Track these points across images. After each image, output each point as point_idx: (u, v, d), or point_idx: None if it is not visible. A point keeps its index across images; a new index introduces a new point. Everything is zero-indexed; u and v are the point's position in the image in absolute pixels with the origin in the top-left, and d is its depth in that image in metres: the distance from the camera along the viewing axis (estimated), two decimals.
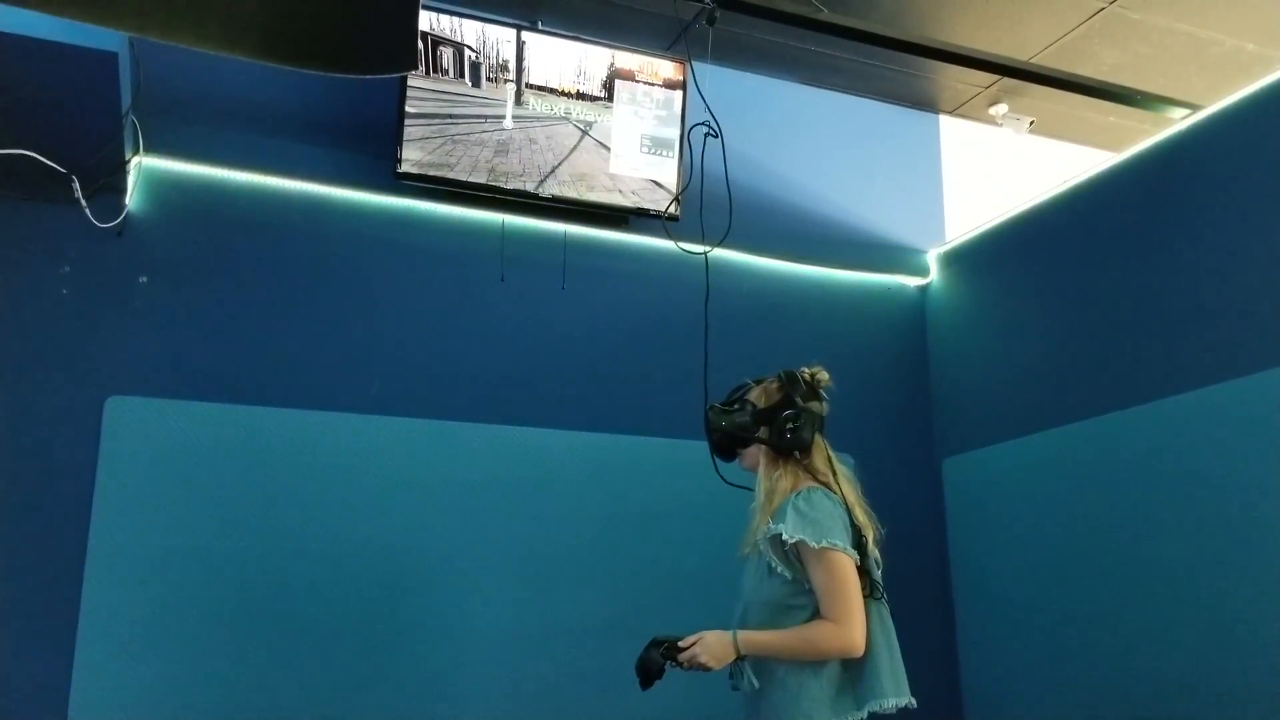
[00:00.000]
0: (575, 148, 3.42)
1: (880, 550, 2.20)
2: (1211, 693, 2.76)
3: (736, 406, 2.30)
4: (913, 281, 4.10)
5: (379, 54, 1.12)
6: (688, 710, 3.14)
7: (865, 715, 2.06)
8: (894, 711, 2.07)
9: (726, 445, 2.32)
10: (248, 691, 2.82)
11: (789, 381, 2.28)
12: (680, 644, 2.13)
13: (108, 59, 2.38)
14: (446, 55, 3.26)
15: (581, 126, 3.44)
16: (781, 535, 2.09)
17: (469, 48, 3.29)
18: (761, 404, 2.28)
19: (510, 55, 3.35)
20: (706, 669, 2.11)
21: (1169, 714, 2.87)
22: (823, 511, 2.11)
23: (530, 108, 3.38)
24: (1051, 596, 3.31)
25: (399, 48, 1.15)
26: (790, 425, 2.21)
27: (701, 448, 2.37)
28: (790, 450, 2.22)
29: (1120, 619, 3.05)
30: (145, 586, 2.80)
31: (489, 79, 3.32)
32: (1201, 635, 2.80)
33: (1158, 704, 2.91)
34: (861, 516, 2.19)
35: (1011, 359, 3.66)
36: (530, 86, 3.38)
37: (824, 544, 2.06)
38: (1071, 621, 3.22)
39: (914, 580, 3.66)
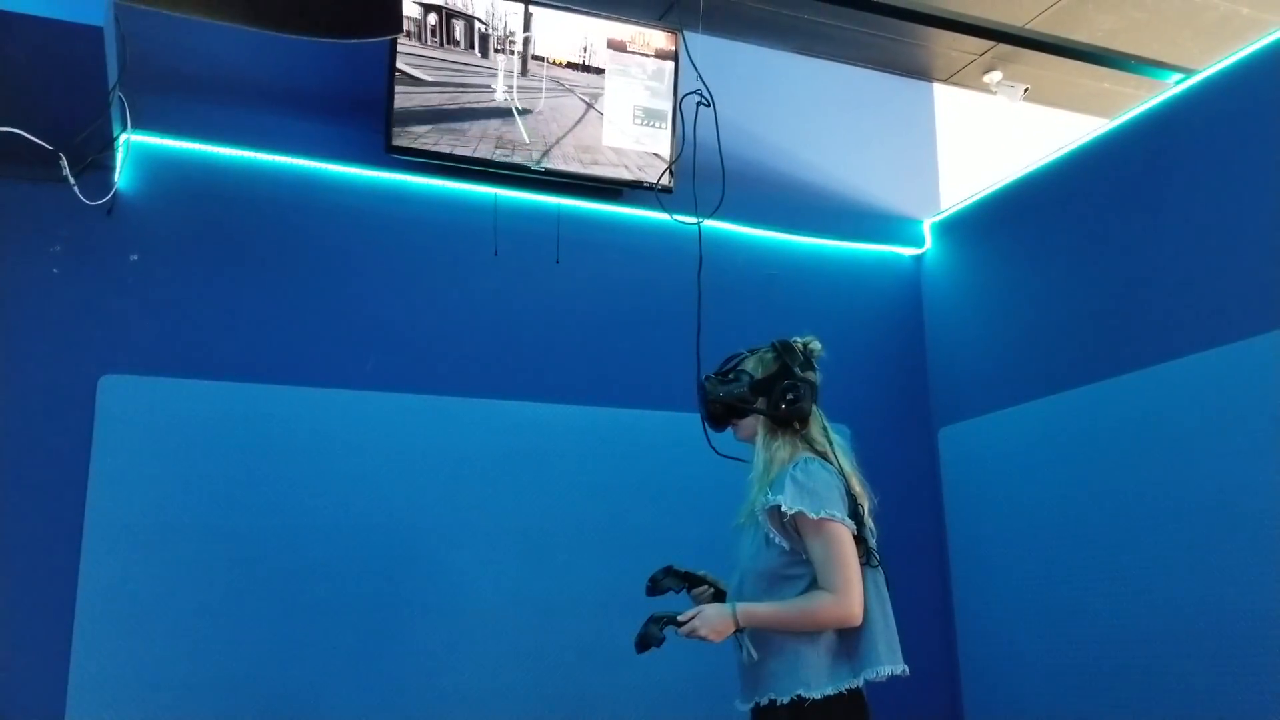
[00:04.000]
0: (580, 120, 3.39)
1: (874, 519, 2.21)
2: (1207, 655, 2.78)
3: (732, 377, 2.29)
4: (908, 251, 4.09)
5: (364, 18, 1.10)
6: (685, 680, 3.16)
7: (862, 683, 2.07)
8: (889, 679, 2.08)
9: (723, 416, 2.29)
10: (246, 667, 2.83)
11: (785, 351, 2.26)
12: (679, 618, 2.13)
13: (93, 33, 2.34)
14: (459, 27, 3.24)
15: (586, 99, 3.41)
16: (780, 506, 2.09)
17: (479, 20, 3.26)
18: (758, 374, 2.26)
19: (517, 27, 3.33)
20: (706, 642, 2.12)
21: (1165, 678, 2.90)
22: (820, 482, 2.11)
23: (533, 78, 3.35)
24: (1047, 562, 3.32)
25: (384, 12, 1.13)
26: (790, 395, 2.20)
27: (696, 420, 2.36)
28: (790, 420, 2.21)
29: (1116, 585, 3.07)
30: (142, 564, 2.80)
31: (497, 50, 3.30)
32: (1196, 598, 2.82)
33: (1154, 668, 2.93)
34: (857, 486, 2.19)
35: (1007, 327, 3.66)
36: (534, 58, 3.35)
37: (822, 515, 2.07)
38: (1067, 587, 3.24)
39: (911, 548, 3.67)
